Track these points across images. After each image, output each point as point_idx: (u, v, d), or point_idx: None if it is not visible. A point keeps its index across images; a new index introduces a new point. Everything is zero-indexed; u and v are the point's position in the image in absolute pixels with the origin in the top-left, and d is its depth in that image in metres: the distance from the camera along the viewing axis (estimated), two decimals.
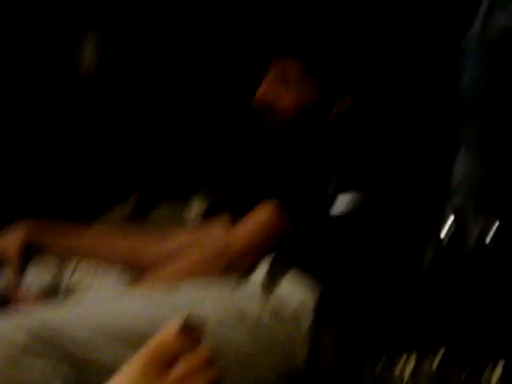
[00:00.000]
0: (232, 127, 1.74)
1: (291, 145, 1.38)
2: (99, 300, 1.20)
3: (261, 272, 1.21)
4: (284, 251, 1.25)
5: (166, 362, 0.46)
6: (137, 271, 1.29)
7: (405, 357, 1.00)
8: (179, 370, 0.45)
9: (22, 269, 1.30)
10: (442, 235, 1.11)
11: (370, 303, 1.18)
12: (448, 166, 1.16)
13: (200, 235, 1.32)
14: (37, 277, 1.30)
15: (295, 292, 1.18)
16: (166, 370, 0.45)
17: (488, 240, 1.07)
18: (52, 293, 1.27)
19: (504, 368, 0.98)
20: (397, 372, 0.99)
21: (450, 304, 1.07)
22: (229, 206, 1.38)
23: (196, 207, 1.49)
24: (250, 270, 1.23)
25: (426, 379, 0.99)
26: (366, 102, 1.40)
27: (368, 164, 1.31)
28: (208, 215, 1.40)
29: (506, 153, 1.10)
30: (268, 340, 1.12)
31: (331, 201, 1.25)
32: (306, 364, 1.13)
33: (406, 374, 0.98)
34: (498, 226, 1.09)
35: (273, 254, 1.24)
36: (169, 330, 0.47)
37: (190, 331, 0.47)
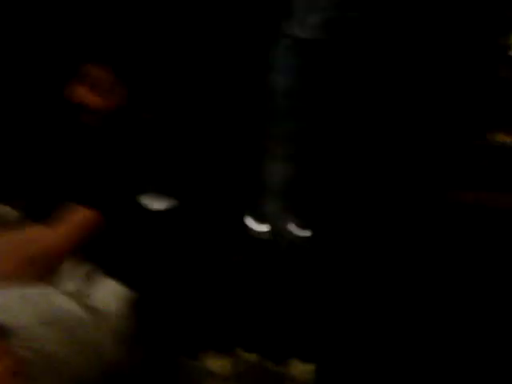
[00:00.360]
0: (47, 126, 1.74)
1: (103, 144, 1.53)
2: None
3: (76, 277, 1.27)
4: (99, 257, 1.33)
5: None
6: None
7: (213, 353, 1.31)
8: None
9: None
10: (253, 236, 1.41)
11: (178, 304, 1.34)
12: (257, 168, 1.49)
13: (20, 235, 1.33)
14: None
15: (111, 296, 1.25)
16: None
17: (298, 241, 1.42)
18: None
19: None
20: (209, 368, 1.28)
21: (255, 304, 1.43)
22: (45, 206, 1.44)
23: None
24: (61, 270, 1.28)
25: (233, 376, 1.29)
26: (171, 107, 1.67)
27: (176, 167, 1.49)
28: (26, 216, 1.46)
29: (317, 156, 1.45)
30: (84, 340, 1.16)
31: (138, 200, 1.36)
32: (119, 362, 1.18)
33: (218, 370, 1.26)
34: (308, 228, 1.46)
35: (89, 260, 1.31)
36: None
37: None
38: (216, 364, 1.29)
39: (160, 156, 1.48)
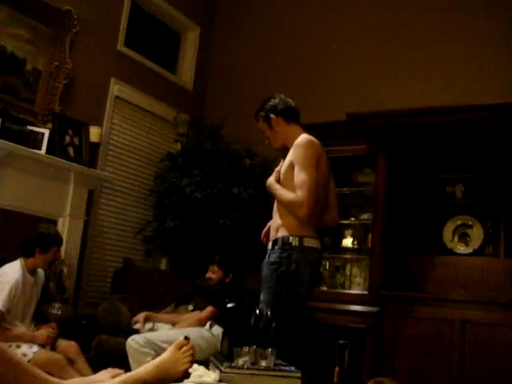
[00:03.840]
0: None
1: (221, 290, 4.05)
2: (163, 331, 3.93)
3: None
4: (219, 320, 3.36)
5: (179, 347, 1.75)
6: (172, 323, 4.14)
7: None
8: (183, 350, 1.75)
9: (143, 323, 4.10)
10: None
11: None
12: None
13: (193, 315, 4.13)
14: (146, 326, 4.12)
15: (219, 331, 3.49)
16: (179, 351, 1.73)
17: None
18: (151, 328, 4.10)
19: None
20: None
21: None
22: (199, 307, 4.16)
23: (190, 307, 4.38)
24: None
25: None
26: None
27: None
28: (193, 310, 4.24)
29: None
30: (209, 343, 3.70)
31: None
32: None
33: None
34: None
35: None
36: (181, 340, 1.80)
37: (187, 339, 1.79)
38: None
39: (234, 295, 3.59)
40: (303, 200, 2.84)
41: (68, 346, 3.64)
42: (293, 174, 2.95)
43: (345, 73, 5.32)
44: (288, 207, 2.94)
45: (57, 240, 3.73)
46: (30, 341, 3.43)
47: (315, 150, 2.99)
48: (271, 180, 3.08)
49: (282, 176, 3.05)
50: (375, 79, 5.12)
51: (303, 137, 3.03)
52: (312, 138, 3.04)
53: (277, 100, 3.20)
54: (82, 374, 3.23)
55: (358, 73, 5.24)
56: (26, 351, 3.31)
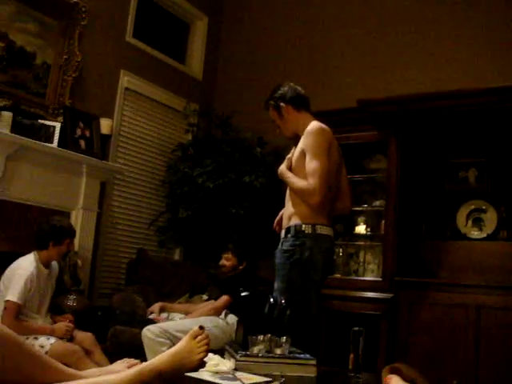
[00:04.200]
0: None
1: (235, 279, 4.12)
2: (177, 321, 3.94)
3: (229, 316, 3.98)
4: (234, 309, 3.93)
5: (194, 336, 1.77)
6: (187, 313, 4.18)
7: None
8: (198, 339, 1.77)
9: (159, 313, 4.20)
10: None
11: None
12: None
13: (207, 304, 4.20)
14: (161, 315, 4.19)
15: (233, 320, 3.80)
16: (194, 340, 1.76)
17: None
18: (166, 318, 4.13)
19: None
20: None
21: None
22: (213, 296, 4.29)
23: (204, 297, 4.51)
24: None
25: None
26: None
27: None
28: (208, 300, 4.35)
29: None
30: (224, 332, 3.79)
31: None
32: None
33: None
34: None
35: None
36: (195, 329, 1.81)
37: (202, 329, 1.81)
38: None
39: (248, 283, 3.76)
40: (315, 188, 2.84)
41: (84, 337, 3.67)
42: (304, 161, 2.94)
43: (355, 59, 5.28)
44: (300, 195, 2.94)
45: (70, 232, 3.75)
46: (49, 334, 3.46)
47: (326, 137, 2.98)
48: (283, 168, 3.08)
49: (293, 164, 3.04)
50: (386, 65, 5.08)
51: (314, 124, 3.02)
52: (323, 125, 3.03)
53: (286, 88, 3.19)
54: (99, 365, 3.25)
55: (368, 59, 5.21)
56: (44, 343, 3.35)
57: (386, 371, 1.14)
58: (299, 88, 3.23)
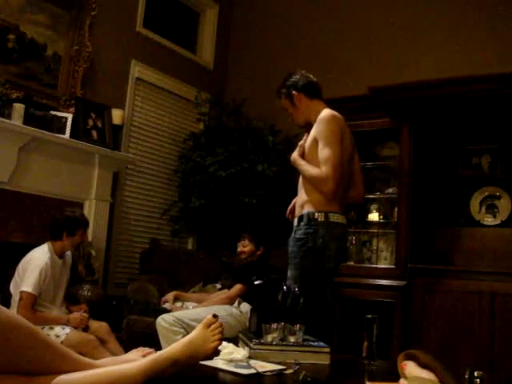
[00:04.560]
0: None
1: (248, 268, 4.11)
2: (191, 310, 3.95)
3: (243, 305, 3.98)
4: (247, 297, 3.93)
5: (208, 325, 1.72)
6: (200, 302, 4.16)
7: None
8: (212, 328, 1.72)
9: (173, 302, 4.19)
10: None
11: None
12: None
13: (221, 293, 4.21)
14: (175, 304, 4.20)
15: (247, 308, 3.80)
16: (207, 329, 1.71)
17: None
18: (180, 307, 4.13)
19: None
20: None
21: None
22: (226, 285, 4.32)
23: (217, 286, 4.54)
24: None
25: None
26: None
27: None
28: (221, 289, 4.38)
29: None
30: (238, 320, 3.82)
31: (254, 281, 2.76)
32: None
33: None
34: None
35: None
36: (209, 317, 1.75)
37: (215, 317, 1.76)
38: None
39: (261, 272, 3.72)
40: (327, 175, 2.83)
41: (99, 326, 3.70)
42: (317, 149, 2.93)
43: (367, 47, 5.25)
44: (313, 183, 2.93)
45: (83, 223, 3.77)
46: (64, 324, 3.49)
47: (338, 124, 2.96)
48: (295, 155, 3.07)
49: (306, 151, 3.04)
50: (397, 52, 5.04)
51: (326, 112, 3.01)
52: (335, 112, 3.01)
53: (298, 76, 3.17)
54: (114, 354, 3.28)
55: (380, 46, 5.17)
56: (59, 332, 3.38)
57: (402, 357, 1.14)
58: (311, 76, 3.21)
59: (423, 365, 1.11)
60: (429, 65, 4.74)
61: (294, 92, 3.13)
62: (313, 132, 3.01)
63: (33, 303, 3.40)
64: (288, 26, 5.83)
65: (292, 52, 5.63)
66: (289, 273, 2.96)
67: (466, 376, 1.84)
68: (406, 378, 1.12)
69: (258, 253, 4.23)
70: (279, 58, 5.64)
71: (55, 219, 3.70)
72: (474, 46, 4.65)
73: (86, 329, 3.63)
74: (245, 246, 4.23)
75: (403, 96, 4.17)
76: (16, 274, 3.52)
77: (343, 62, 5.32)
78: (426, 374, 1.09)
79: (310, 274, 2.88)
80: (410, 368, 1.12)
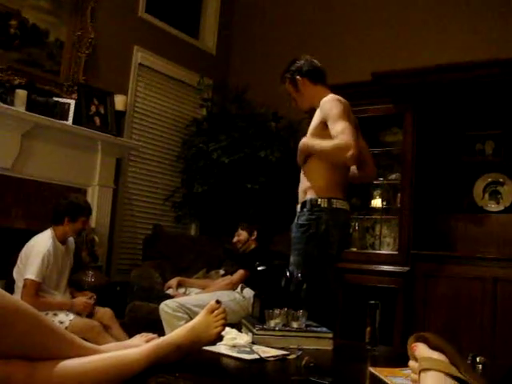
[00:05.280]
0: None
1: (251, 254, 4.22)
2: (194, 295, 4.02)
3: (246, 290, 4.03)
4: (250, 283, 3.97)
5: (211, 310, 1.71)
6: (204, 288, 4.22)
7: None
8: (215, 313, 1.71)
9: (176, 288, 4.22)
10: None
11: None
12: None
13: (224, 279, 4.24)
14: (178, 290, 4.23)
15: (250, 294, 3.77)
16: (210, 314, 1.70)
17: None
18: (183, 293, 4.16)
19: None
20: None
21: None
22: (230, 271, 4.34)
23: (221, 272, 4.55)
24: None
25: None
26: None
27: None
28: (224, 275, 4.39)
29: None
30: (241, 306, 3.85)
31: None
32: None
33: None
34: None
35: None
36: (212, 303, 1.73)
37: (218, 303, 1.74)
38: None
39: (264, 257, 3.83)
40: (347, 142, 2.75)
41: (103, 312, 3.72)
42: (322, 133, 2.92)
43: (371, 32, 5.22)
44: (334, 155, 2.84)
45: (85, 210, 3.76)
46: (69, 309, 3.51)
47: (344, 106, 2.95)
48: (306, 138, 3.03)
49: (309, 136, 3.03)
50: (400, 37, 5.01)
51: (330, 95, 3.00)
52: (339, 97, 3.00)
53: (302, 61, 3.16)
54: (118, 340, 3.29)
55: (383, 32, 5.14)
56: (63, 319, 3.40)
57: (412, 339, 1.14)
58: (316, 61, 3.19)
59: (434, 347, 1.11)
60: (431, 50, 4.71)
61: (298, 77, 3.12)
62: (317, 115, 3.00)
63: (37, 290, 3.41)
64: (291, 11, 5.80)
65: (295, 38, 5.60)
66: (291, 258, 2.96)
67: (469, 361, 1.85)
68: (415, 359, 1.12)
69: (253, 237, 4.25)
70: (282, 44, 5.61)
71: (58, 203, 3.71)
72: (476, 32, 4.62)
73: (90, 315, 3.65)
74: (239, 235, 4.27)
75: (406, 81, 4.16)
76: (19, 261, 3.53)
77: (346, 48, 5.29)
78: (436, 356, 1.09)
79: (313, 260, 2.88)
80: (421, 350, 1.12)
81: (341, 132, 2.80)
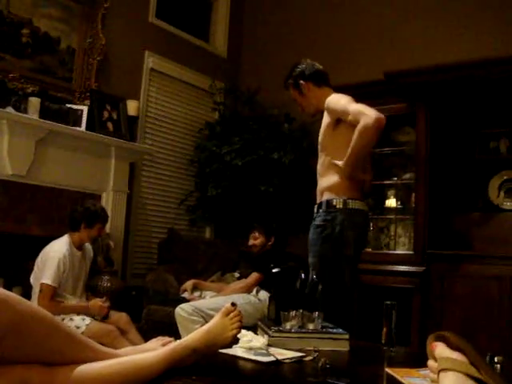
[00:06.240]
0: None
1: (266, 256, 4.15)
2: (210, 299, 3.95)
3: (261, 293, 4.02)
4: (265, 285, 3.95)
5: (227, 313, 1.72)
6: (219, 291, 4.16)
7: None
8: (231, 316, 1.72)
9: (191, 291, 4.18)
10: None
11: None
12: None
13: (238, 282, 4.19)
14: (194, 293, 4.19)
15: (265, 296, 3.82)
16: (226, 317, 1.71)
17: None
18: (198, 297, 4.12)
19: None
20: None
21: None
22: (245, 274, 4.24)
23: (236, 274, 4.49)
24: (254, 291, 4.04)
25: None
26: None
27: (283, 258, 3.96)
28: (240, 278, 4.33)
29: None
30: (256, 308, 3.77)
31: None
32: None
33: None
34: None
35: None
36: (228, 306, 1.74)
37: (234, 305, 1.75)
38: None
39: (279, 259, 3.76)
40: (371, 116, 2.71)
41: (119, 317, 3.73)
42: (334, 132, 2.92)
43: (381, 32, 5.20)
44: (365, 136, 2.75)
45: (102, 217, 3.79)
46: (85, 312, 3.53)
47: (350, 97, 2.95)
48: (339, 162, 2.90)
49: (322, 138, 3.02)
50: (412, 36, 4.99)
51: (333, 94, 3.01)
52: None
53: (304, 65, 3.16)
54: (134, 344, 3.31)
55: (394, 31, 5.11)
56: (80, 323, 3.41)
57: (432, 338, 1.12)
58: (317, 64, 3.19)
59: (454, 346, 1.10)
60: (444, 48, 4.68)
61: (301, 81, 3.12)
62: (325, 116, 3.01)
63: (53, 294, 3.44)
64: (301, 12, 5.79)
65: (305, 39, 5.59)
66: (309, 259, 2.96)
67: (487, 361, 1.83)
68: (434, 358, 1.11)
69: (270, 243, 4.24)
70: (292, 45, 5.61)
71: (75, 210, 3.73)
72: (489, 28, 4.58)
73: (106, 318, 3.66)
74: (256, 239, 4.25)
75: (418, 80, 4.14)
76: (35, 267, 3.56)
77: (358, 48, 5.27)
78: (456, 356, 1.08)
79: (329, 261, 2.87)
80: (440, 349, 1.11)
81: (359, 109, 2.78)
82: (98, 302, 3.64)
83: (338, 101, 2.93)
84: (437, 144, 4.25)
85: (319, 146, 3.07)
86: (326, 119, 3.01)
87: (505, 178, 4.31)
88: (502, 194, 4.31)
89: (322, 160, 3.04)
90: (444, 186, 4.36)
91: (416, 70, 4.16)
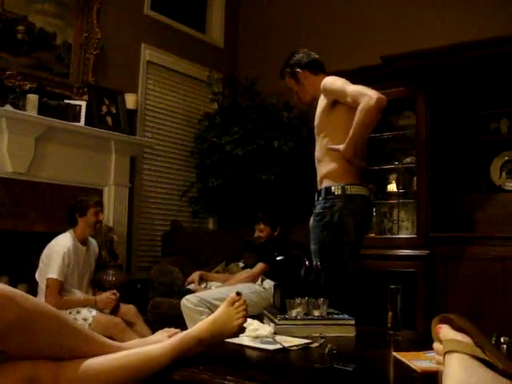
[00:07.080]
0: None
1: (269, 245, 4.16)
2: (215, 289, 4.01)
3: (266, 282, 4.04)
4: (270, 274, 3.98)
5: (232, 302, 1.70)
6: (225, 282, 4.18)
7: None
8: (236, 305, 1.70)
9: (198, 282, 4.22)
10: None
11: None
12: None
13: (243, 272, 4.23)
14: (199, 285, 4.22)
15: (270, 285, 3.78)
16: (231, 306, 1.69)
17: None
18: (204, 288, 4.16)
19: None
20: None
21: None
22: (249, 263, 4.36)
23: (240, 264, 4.55)
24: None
25: None
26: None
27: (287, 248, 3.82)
28: (244, 267, 4.42)
29: None
30: (261, 297, 3.83)
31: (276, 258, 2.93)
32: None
33: None
34: None
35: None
36: (233, 295, 1.72)
37: (239, 295, 1.72)
38: None
39: (282, 248, 3.74)
40: (369, 95, 2.73)
41: (127, 309, 3.75)
42: (330, 114, 2.92)
43: (377, 16, 5.17)
44: (368, 115, 2.75)
45: (91, 201, 3.74)
46: (92, 306, 3.55)
47: (345, 79, 2.96)
48: (339, 147, 2.88)
49: (318, 122, 3.02)
50: (408, 20, 4.96)
51: (328, 77, 3.03)
52: None
53: (300, 54, 3.18)
54: (142, 336, 3.31)
55: (390, 15, 5.09)
56: (86, 315, 3.43)
57: (437, 321, 1.13)
58: (313, 53, 3.20)
59: (458, 328, 1.10)
60: (441, 30, 4.66)
61: (298, 70, 3.12)
62: (322, 99, 3.01)
63: (60, 289, 3.45)
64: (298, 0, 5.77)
65: (302, 26, 5.57)
66: (311, 247, 2.96)
67: (493, 342, 1.84)
68: (440, 341, 1.11)
69: (275, 233, 4.25)
70: (290, 33, 5.58)
71: (69, 205, 3.76)
72: (486, 9, 4.56)
73: (114, 312, 3.68)
74: (261, 231, 4.25)
75: (417, 63, 4.12)
76: (40, 263, 3.57)
77: (354, 33, 5.25)
78: (461, 337, 1.08)
79: (330, 248, 2.87)
80: (445, 331, 1.11)
81: (357, 90, 2.79)
82: (105, 295, 3.66)
83: (335, 81, 2.93)
84: (437, 127, 4.24)
85: (316, 130, 3.06)
86: (322, 102, 3.01)
87: (506, 158, 4.30)
88: (503, 174, 4.30)
89: (319, 143, 3.03)
90: (446, 168, 4.35)
91: (413, 53, 4.14)
